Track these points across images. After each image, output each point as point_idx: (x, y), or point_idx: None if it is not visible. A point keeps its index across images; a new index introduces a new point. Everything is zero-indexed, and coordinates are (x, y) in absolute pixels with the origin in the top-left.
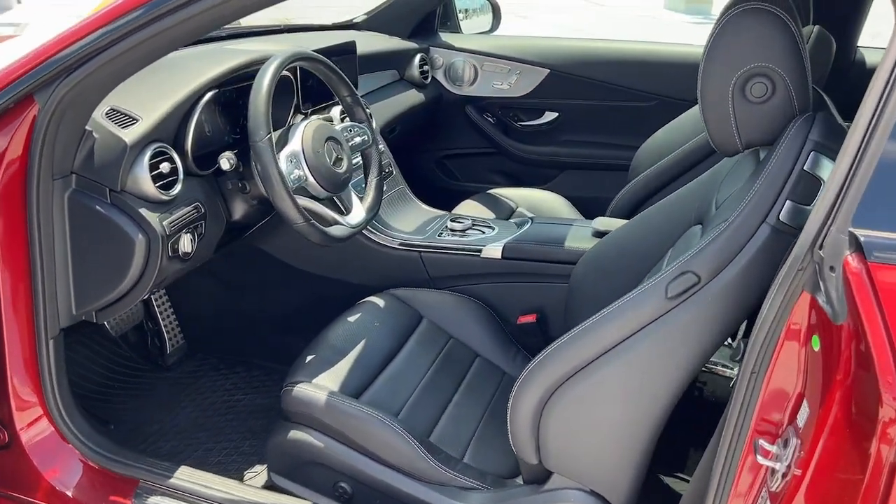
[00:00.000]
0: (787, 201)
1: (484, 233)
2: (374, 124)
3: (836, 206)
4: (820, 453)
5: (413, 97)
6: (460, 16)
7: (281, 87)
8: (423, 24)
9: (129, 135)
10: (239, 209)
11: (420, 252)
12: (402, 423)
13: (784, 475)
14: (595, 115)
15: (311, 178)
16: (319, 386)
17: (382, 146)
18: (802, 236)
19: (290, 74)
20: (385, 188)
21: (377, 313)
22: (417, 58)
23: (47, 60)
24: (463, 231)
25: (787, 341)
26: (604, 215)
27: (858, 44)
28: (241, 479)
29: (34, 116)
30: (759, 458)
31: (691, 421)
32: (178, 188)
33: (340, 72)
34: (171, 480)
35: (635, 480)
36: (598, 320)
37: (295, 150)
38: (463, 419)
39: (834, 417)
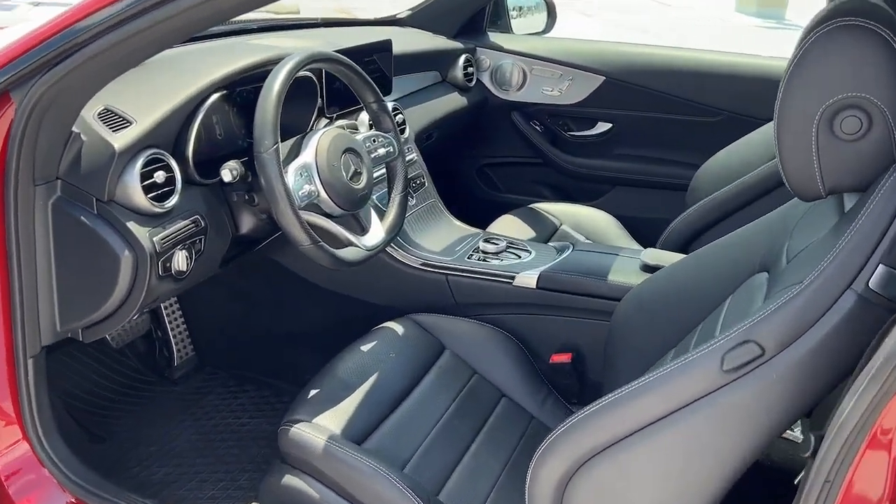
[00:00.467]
0: (881, 265)
1: (520, 257)
2: (406, 131)
3: None
4: None
5: (455, 101)
6: (513, 14)
7: (303, 90)
8: (472, 22)
9: (120, 139)
10: (247, 223)
11: (446, 275)
12: (408, 477)
13: None
14: (653, 128)
15: (323, 194)
16: (319, 427)
17: (414, 155)
18: None
19: (312, 75)
20: (414, 201)
21: (394, 342)
22: (462, 58)
23: (24, 54)
24: (496, 254)
25: (871, 450)
26: (656, 239)
27: None
28: None
29: (11, 116)
30: None
31: (740, 492)
32: (174, 200)
33: (365, 75)
34: None
35: None
36: (638, 387)
37: (307, 163)
38: (480, 472)
39: None
